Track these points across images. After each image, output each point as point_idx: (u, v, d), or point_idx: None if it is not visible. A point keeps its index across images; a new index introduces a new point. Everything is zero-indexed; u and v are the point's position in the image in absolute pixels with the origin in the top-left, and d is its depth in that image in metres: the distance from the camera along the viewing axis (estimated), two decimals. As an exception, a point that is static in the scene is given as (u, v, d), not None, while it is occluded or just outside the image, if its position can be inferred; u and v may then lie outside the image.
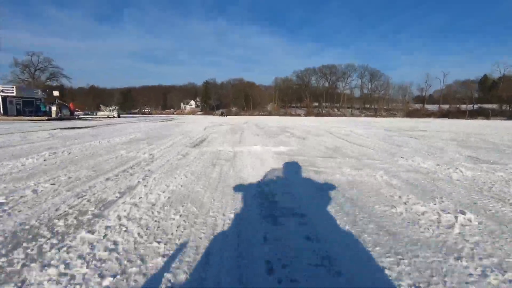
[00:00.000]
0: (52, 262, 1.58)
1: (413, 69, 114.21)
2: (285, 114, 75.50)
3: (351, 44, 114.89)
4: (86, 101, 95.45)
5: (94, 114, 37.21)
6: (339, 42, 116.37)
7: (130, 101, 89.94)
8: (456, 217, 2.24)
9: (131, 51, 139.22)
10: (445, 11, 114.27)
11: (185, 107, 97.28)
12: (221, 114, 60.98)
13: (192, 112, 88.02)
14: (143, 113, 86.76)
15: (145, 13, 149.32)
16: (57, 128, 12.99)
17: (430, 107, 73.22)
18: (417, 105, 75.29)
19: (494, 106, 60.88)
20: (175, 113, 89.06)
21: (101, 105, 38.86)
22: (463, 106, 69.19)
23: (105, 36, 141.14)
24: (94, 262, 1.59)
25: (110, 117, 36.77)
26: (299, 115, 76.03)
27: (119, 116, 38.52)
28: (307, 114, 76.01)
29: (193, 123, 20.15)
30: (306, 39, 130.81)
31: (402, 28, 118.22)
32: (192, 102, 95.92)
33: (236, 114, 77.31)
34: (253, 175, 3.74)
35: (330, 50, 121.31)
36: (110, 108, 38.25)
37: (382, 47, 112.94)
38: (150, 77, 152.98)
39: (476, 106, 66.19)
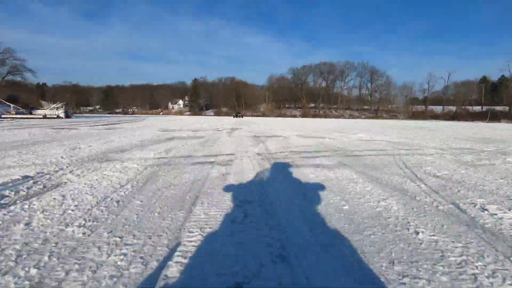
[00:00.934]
0: None
1: (408, 70, 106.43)
2: (279, 115, 65.67)
3: (349, 43, 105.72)
4: (63, 99, 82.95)
5: (32, 112, 25.93)
6: (337, 42, 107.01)
7: (111, 99, 77.83)
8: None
9: (120, 48, 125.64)
10: (444, 12, 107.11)
11: (173, 106, 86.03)
12: (236, 115, 45.78)
13: (180, 112, 77.23)
14: (126, 113, 75.31)
15: (134, 10, 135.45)
16: None
17: (432, 108, 64.89)
18: (419, 106, 66.76)
19: (507, 108, 52.86)
20: (161, 113, 77.92)
21: (42, 101, 27.66)
22: (467, 108, 61.35)
23: (92, 33, 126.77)
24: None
25: (53, 117, 25.64)
26: (294, 116, 66.39)
27: (67, 116, 27.33)
28: (304, 115, 66.44)
29: (139, 130, 9.72)
30: (302, 38, 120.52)
31: (399, 28, 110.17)
32: (180, 102, 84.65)
33: (227, 114, 66.98)
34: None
35: (328, 50, 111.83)
36: (55, 105, 27.02)
37: (380, 47, 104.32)
38: (138, 75, 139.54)
39: (484, 108, 58.13)
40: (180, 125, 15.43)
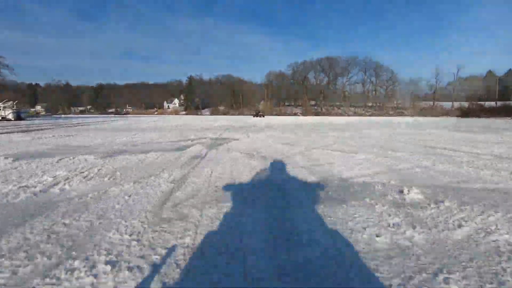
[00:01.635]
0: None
1: (412, 66, 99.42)
2: (279, 114, 59.02)
3: (350, 40, 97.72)
4: (55, 100, 76.08)
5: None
6: (338, 39, 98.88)
7: (103, 98, 70.86)
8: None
9: (115, 48, 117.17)
10: (446, 8, 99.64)
11: (168, 106, 79.24)
12: (256, 115, 36.73)
13: (175, 112, 70.51)
14: (117, 113, 68.53)
15: (130, 9, 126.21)
16: None
17: (442, 104, 58.63)
18: (426, 102, 60.42)
19: (526, 103, 46.57)
20: (156, 112, 71.11)
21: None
22: (480, 103, 55.09)
23: (86, 33, 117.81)
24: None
25: (-5, 120, 18.91)
26: (295, 114, 59.81)
27: (19, 118, 20.58)
28: (305, 113, 59.92)
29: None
30: (302, 35, 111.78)
31: (401, 24, 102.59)
32: (176, 101, 77.78)
33: (224, 113, 60.36)
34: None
35: (328, 48, 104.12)
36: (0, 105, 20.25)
37: (383, 42, 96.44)
38: (134, 75, 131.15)
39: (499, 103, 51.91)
40: (128, 135, 8.70)
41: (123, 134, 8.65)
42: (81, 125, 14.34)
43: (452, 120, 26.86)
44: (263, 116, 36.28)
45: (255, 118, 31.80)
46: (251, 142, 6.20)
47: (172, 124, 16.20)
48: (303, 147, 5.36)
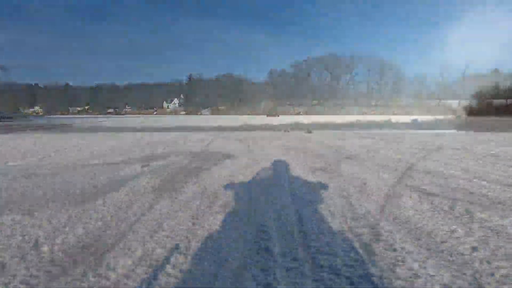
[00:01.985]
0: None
1: (418, 63, 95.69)
2: (282, 113, 56.22)
3: (353, 38, 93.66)
4: (52, 99, 73.77)
5: None
6: (340, 37, 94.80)
7: (101, 99, 68.37)
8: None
9: (114, 48, 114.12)
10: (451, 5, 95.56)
11: (168, 106, 76.67)
12: (270, 114, 33.46)
13: (175, 112, 67.92)
14: (116, 113, 66.16)
15: (130, 9, 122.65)
16: None
17: (451, 103, 55.56)
18: (433, 101, 57.42)
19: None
20: (155, 113, 68.54)
21: None
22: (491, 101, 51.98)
23: (86, 33, 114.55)
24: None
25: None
26: (298, 113, 56.97)
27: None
28: (307, 112, 57.08)
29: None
30: (304, 33, 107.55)
31: (405, 21, 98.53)
32: (176, 100, 75.19)
33: (225, 113, 57.70)
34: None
35: (330, 48, 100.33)
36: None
37: (384, 41, 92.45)
38: (133, 75, 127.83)
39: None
40: (59, 147, 5.83)
41: (68, 141, 5.81)
42: (44, 128, 11.55)
43: (470, 119, 23.81)
44: (278, 116, 33.06)
45: (269, 117, 28.96)
46: (252, 164, 3.35)
47: (158, 125, 13.38)
48: (370, 187, 2.46)
